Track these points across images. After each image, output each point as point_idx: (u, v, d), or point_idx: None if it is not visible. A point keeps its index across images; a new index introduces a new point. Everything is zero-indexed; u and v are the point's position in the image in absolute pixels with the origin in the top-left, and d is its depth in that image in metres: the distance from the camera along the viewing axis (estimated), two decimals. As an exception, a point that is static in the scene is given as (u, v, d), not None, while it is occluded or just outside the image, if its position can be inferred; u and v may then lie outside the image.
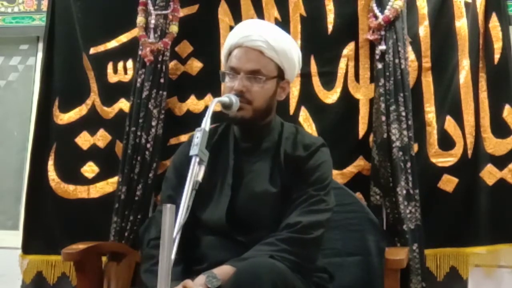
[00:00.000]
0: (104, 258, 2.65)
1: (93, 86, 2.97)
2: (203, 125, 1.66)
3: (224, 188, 2.00)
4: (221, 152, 2.01)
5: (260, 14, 2.85)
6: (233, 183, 1.99)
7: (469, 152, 2.65)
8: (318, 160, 2.01)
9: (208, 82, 2.84)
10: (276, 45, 1.98)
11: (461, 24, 2.71)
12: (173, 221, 1.34)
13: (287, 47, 2.03)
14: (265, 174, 2.00)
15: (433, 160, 2.67)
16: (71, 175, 2.95)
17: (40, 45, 3.18)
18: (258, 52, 1.97)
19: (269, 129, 2.05)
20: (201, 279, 1.78)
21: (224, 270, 1.80)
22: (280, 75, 2.02)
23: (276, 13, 2.85)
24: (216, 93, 2.77)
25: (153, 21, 2.79)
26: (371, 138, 2.67)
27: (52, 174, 2.95)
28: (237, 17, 2.84)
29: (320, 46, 2.81)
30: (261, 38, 1.97)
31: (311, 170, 1.99)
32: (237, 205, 1.98)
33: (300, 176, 1.98)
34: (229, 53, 2.02)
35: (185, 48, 2.92)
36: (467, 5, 2.72)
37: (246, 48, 1.97)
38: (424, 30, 2.73)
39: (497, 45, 2.67)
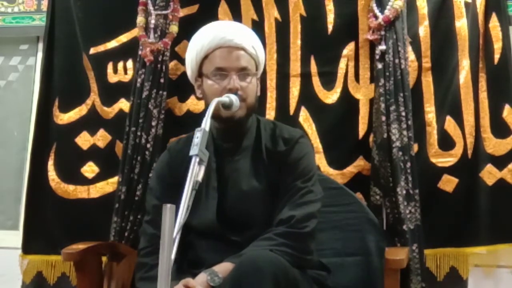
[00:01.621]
0: (104, 258, 2.65)
1: (93, 86, 2.97)
2: (203, 125, 1.66)
3: (210, 191, 2.01)
4: None
5: (260, 14, 2.86)
6: (218, 185, 2.01)
7: (469, 152, 2.65)
8: (300, 152, 2.04)
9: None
10: (253, 42, 2.04)
11: (461, 24, 2.71)
12: (173, 221, 1.34)
13: (259, 43, 2.09)
14: (249, 171, 2.02)
15: (433, 160, 2.67)
16: (71, 175, 2.95)
17: (40, 45, 3.18)
18: (241, 49, 2.01)
19: (247, 126, 2.07)
20: (202, 277, 1.79)
21: (225, 267, 1.81)
22: (257, 71, 2.07)
23: (276, 13, 2.85)
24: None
25: (153, 21, 2.79)
26: (371, 138, 2.66)
27: (52, 174, 2.95)
28: (237, 17, 2.84)
29: (320, 46, 2.81)
30: (240, 37, 2.02)
31: (295, 163, 2.01)
32: (226, 206, 1.99)
33: (285, 170, 2.00)
34: (205, 56, 2.03)
35: (185, 48, 2.89)
36: (467, 5, 2.72)
37: (229, 48, 2.00)
38: (424, 30, 2.73)
39: (497, 45, 2.67)
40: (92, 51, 2.98)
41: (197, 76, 2.08)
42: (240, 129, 2.05)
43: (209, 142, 2.03)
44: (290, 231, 1.90)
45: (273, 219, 1.95)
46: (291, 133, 2.09)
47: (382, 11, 2.64)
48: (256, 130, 2.08)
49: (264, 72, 2.72)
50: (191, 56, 2.07)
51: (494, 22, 2.69)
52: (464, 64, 2.69)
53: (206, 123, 1.68)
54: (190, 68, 2.10)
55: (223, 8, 2.89)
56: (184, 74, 2.89)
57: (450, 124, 2.68)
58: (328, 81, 2.78)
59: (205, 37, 2.04)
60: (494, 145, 2.64)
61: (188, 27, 2.86)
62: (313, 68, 2.80)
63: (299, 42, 2.82)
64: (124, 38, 2.97)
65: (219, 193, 2.00)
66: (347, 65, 2.77)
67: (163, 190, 2.04)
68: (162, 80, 2.78)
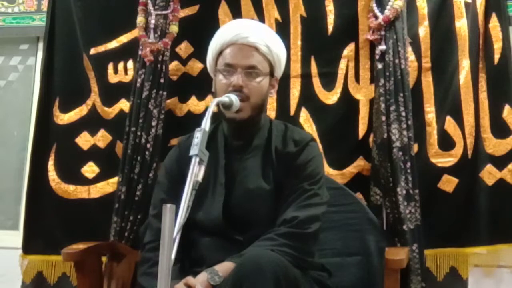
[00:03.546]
0: (104, 258, 2.66)
1: (94, 86, 2.97)
2: (203, 125, 1.67)
3: (217, 187, 2.01)
4: (210, 152, 2.02)
5: (260, 14, 2.86)
6: (226, 182, 2.01)
7: (469, 152, 2.65)
8: (309, 155, 2.04)
9: (209, 83, 2.82)
10: (269, 42, 2.04)
11: (461, 24, 2.71)
12: (173, 221, 1.34)
13: (278, 44, 2.09)
14: (258, 171, 2.02)
15: (433, 160, 2.67)
16: (72, 175, 2.95)
17: (40, 45, 3.19)
18: (253, 48, 2.02)
19: (259, 126, 2.07)
20: (203, 276, 1.79)
21: (226, 266, 1.81)
22: (271, 72, 2.07)
23: (276, 14, 2.86)
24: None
25: (153, 21, 2.79)
26: (371, 138, 2.67)
27: (52, 174, 2.95)
28: (238, 18, 2.83)
29: (320, 46, 2.81)
30: (255, 36, 2.03)
31: (303, 165, 2.02)
32: (232, 204, 1.99)
33: (293, 172, 2.00)
34: (220, 52, 2.05)
35: (185, 48, 2.92)
36: (467, 5, 2.72)
37: (241, 45, 2.02)
38: (424, 30, 2.73)
39: (497, 45, 2.67)
40: (93, 51, 2.98)
41: (214, 71, 2.09)
42: (250, 128, 2.06)
43: (220, 139, 2.06)
44: (292, 231, 1.90)
45: (277, 220, 1.95)
46: (302, 136, 2.10)
47: (382, 11, 2.64)
48: (268, 131, 2.09)
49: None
50: (209, 51, 2.10)
51: (494, 22, 2.69)
52: (464, 64, 2.69)
53: (206, 123, 1.68)
54: (208, 63, 2.12)
55: (223, 9, 2.89)
56: (184, 75, 2.91)
57: (450, 124, 2.68)
58: (328, 82, 2.79)
59: (222, 34, 2.06)
60: (494, 145, 2.65)
61: (189, 28, 2.87)
62: (314, 69, 2.80)
63: (299, 42, 2.82)
64: (124, 38, 2.97)
65: (226, 190, 2.00)
66: (347, 66, 2.77)
67: (171, 185, 2.05)
68: (162, 80, 2.78)
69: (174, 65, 2.90)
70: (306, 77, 2.80)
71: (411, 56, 2.70)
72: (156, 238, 1.95)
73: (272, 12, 2.86)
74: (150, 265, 1.95)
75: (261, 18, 2.85)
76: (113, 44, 2.98)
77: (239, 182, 2.02)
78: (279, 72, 2.12)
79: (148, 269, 1.96)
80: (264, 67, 2.03)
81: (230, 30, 2.05)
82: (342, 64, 2.78)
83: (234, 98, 1.91)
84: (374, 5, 2.67)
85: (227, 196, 1.99)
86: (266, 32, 2.09)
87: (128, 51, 2.94)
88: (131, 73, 2.93)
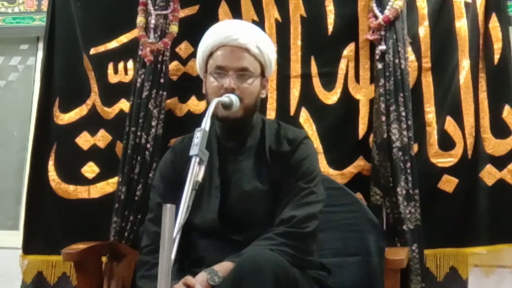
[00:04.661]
0: (104, 258, 2.66)
1: (94, 86, 2.98)
2: (203, 125, 1.66)
3: (212, 190, 2.01)
4: None
5: (260, 14, 2.86)
6: (221, 184, 2.01)
7: (469, 152, 2.65)
8: (303, 153, 2.04)
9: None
10: (259, 43, 2.04)
11: (461, 25, 2.71)
12: (173, 221, 1.34)
13: (268, 45, 2.09)
14: (252, 172, 2.02)
15: (433, 160, 2.67)
16: (72, 175, 2.95)
17: (40, 45, 3.19)
18: (244, 50, 2.01)
19: (251, 126, 2.07)
20: (202, 276, 1.80)
21: (225, 266, 1.81)
22: (262, 72, 2.07)
23: (276, 14, 2.86)
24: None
25: (153, 21, 2.79)
26: (371, 138, 2.67)
27: (52, 174, 2.95)
28: (238, 18, 2.83)
29: (321, 47, 2.81)
30: (245, 37, 2.02)
31: (298, 163, 2.02)
32: (228, 206, 1.99)
33: (288, 171, 2.00)
34: (210, 54, 2.04)
35: (185, 48, 2.92)
36: (467, 5, 2.72)
37: (232, 47, 2.01)
38: (424, 30, 2.73)
39: (497, 46, 2.68)
40: (93, 51, 2.98)
41: (204, 72, 2.09)
42: (243, 128, 2.05)
43: (213, 141, 2.05)
44: (291, 230, 1.90)
45: (275, 219, 1.95)
46: (296, 134, 2.09)
47: (382, 11, 2.64)
48: (261, 130, 2.08)
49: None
50: (199, 53, 2.09)
51: (494, 22, 2.69)
52: (464, 64, 2.69)
53: (206, 123, 1.68)
54: (198, 64, 2.12)
55: (223, 9, 2.89)
56: (184, 75, 2.91)
57: (450, 124, 2.68)
58: (329, 82, 2.79)
59: (211, 35, 2.05)
60: (494, 146, 2.65)
61: (189, 28, 2.87)
62: (314, 69, 2.80)
63: (299, 42, 2.82)
64: (124, 38, 2.98)
65: (222, 193, 2.00)
66: (347, 66, 2.77)
67: (166, 189, 2.05)
68: (162, 80, 2.78)
69: (174, 65, 2.90)
70: (306, 77, 2.80)
71: (411, 56, 2.70)
72: (153, 241, 1.97)
73: (272, 12, 2.86)
74: (148, 268, 1.96)
75: (261, 18, 2.85)
76: (113, 44, 2.98)
77: (234, 184, 2.02)
78: (269, 72, 2.12)
79: (146, 272, 1.96)
80: (256, 68, 2.03)
81: (220, 32, 2.04)
82: (342, 64, 2.78)
83: (234, 98, 1.91)
84: (374, 5, 2.67)
85: (223, 199, 1.99)
86: (256, 33, 2.08)
87: (128, 51, 2.94)
88: (131, 73, 2.93)
